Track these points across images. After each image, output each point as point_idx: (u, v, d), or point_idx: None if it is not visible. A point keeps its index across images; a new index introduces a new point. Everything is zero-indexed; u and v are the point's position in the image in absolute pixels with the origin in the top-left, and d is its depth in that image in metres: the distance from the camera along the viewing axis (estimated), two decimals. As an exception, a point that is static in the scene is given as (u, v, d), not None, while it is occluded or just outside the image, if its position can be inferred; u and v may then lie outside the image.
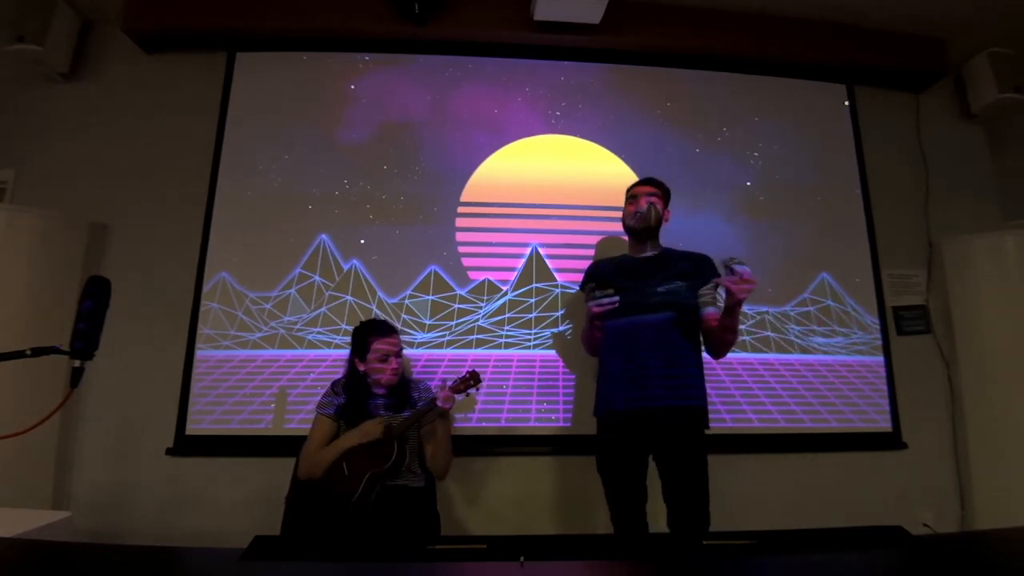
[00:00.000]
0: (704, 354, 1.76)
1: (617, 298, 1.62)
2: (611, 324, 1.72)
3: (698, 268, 1.76)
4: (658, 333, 1.68)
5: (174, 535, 2.10)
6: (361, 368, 1.78)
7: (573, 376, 2.34)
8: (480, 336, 2.34)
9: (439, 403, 1.70)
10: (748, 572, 0.90)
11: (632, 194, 1.86)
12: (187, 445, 2.18)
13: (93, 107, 2.51)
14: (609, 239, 2.45)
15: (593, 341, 1.82)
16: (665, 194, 1.87)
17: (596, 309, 1.63)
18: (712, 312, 1.70)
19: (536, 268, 2.42)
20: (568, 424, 2.29)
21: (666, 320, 1.68)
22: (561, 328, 2.37)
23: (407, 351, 2.17)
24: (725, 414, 2.35)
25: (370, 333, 1.79)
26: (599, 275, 1.79)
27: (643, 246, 1.82)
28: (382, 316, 2.29)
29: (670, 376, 1.64)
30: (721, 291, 1.62)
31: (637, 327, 1.68)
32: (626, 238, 1.93)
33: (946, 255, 2.63)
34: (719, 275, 1.67)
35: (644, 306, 1.69)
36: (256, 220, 2.39)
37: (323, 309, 2.32)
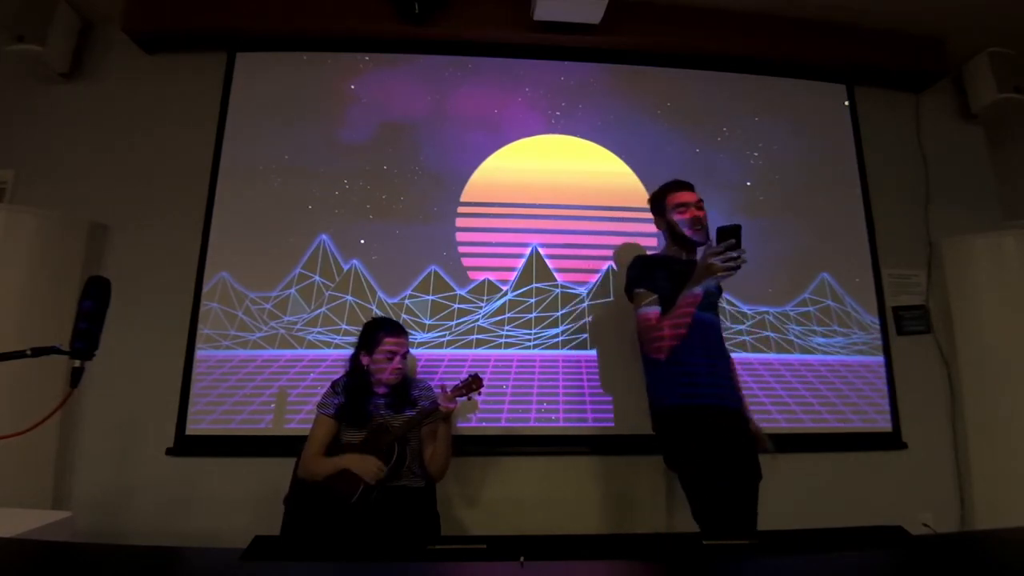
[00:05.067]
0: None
1: (746, 261, 1.52)
2: (698, 317, 1.63)
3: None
4: (719, 333, 1.74)
5: (174, 535, 2.10)
6: (365, 361, 1.79)
7: (573, 377, 2.34)
8: (480, 336, 2.34)
9: (441, 406, 1.69)
10: (748, 572, 0.90)
11: (681, 202, 1.76)
12: (187, 445, 2.18)
13: (93, 107, 2.51)
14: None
15: (681, 330, 1.60)
16: None
17: (724, 266, 1.50)
18: None
19: (536, 268, 2.42)
20: (568, 424, 2.29)
21: (718, 323, 1.75)
22: (562, 328, 2.37)
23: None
24: (725, 414, 2.35)
25: (382, 329, 1.80)
26: (655, 271, 1.70)
27: (691, 252, 1.78)
28: (382, 316, 2.29)
29: (733, 376, 1.73)
30: None
31: (711, 325, 1.69)
32: (641, 241, 1.90)
33: (946, 255, 2.63)
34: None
35: (711, 305, 1.71)
36: (256, 220, 2.39)
37: (323, 309, 2.32)
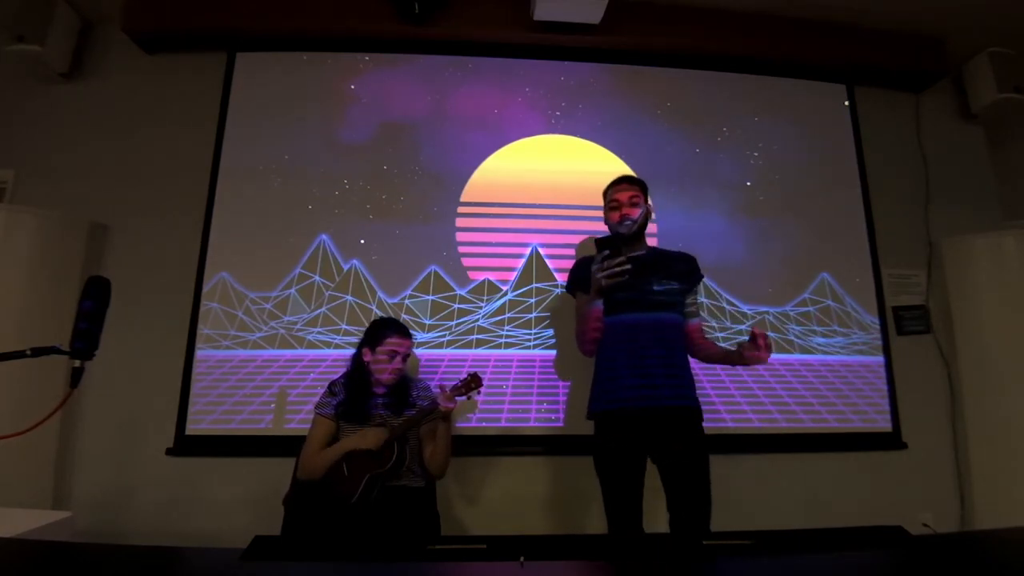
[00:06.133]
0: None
1: (630, 266, 1.54)
2: (610, 320, 1.67)
3: (690, 269, 1.80)
4: (659, 332, 1.68)
5: (174, 535, 2.10)
6: (367, 358, 1.79)
7: (572, 376, 2.34)
8: (480, 336, 2.34)
9: (440, 406, 1.70)
10: (748, 572, 0.90)
11: (614, 200, 1.77)
12: (187, 445, 2.18)
13: (93, 107, 2.51)
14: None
15: (591, 334, 1.68)
16: (644, 190, 1.80)
17: (603, 275, 1.53)
18: (695, 324, 1.79)
19: (536, 268, 2.42)
20: (568, 424, 2.29)
21: (666, 320, 1.70)
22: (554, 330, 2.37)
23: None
24: (725, 414, 2.35)
25: (388, 327, 1.82)
26: (586, 272, 1.72)
27: (632, 247, 1.77)
28: (390, 316, 2.29)
29: (672, 376, 1.65)
30: (701, 298, 1.71)
31: (638, 325, 1.66)
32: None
33: (946, 255, 2.63)
34: (702, 276, 1.82)
35: (644, 304, 1.67)
36: (256, 220, 2.39)
37: (323, 309, 2.32)
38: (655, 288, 1.69)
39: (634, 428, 1.62)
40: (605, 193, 1.84)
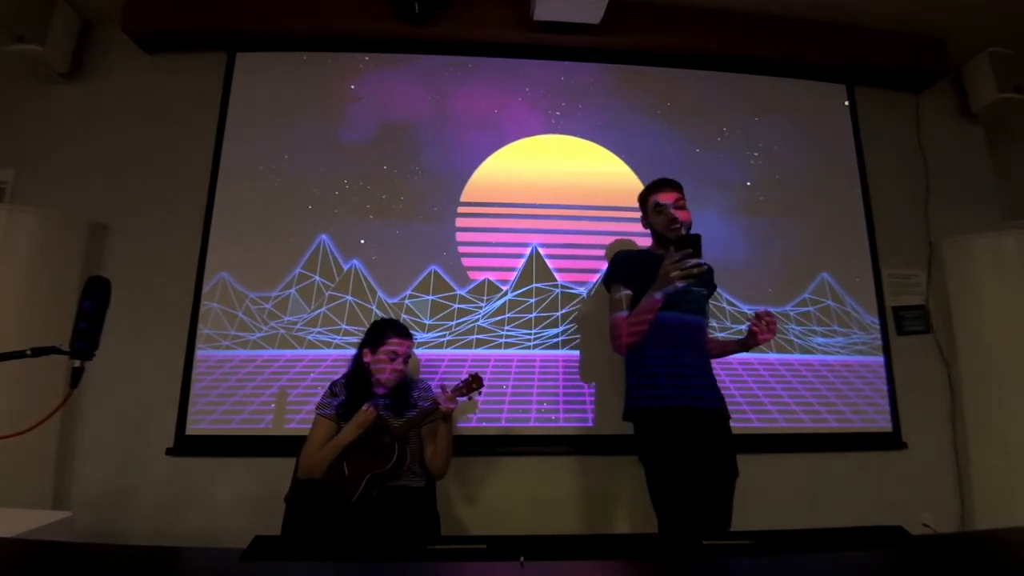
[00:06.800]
0: None
1: (706, 267, 1.56)
2: (663, 317, 1.65)
3: (711, 277, 1.85)
4: (701, 334, 1.74)
5: (174, 535, 2.10)
6: (368, 359, 1.79)
7: (573, 377, 2.34)
8: (480, 336, 2.34)
9: (442, 406, 1.70)
10: (748, 572, 0.90)
11: (660, 203, 1.75)
12: (187, 445, 2.18)
13: (93, 107, 2.51)
14: (620, 241, 2.45)
15: (644, 326, 1.64)
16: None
17: (680, 273, 1.53)
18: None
19: (536, 268, 2.42)
20: (568, 424, 2.29)
21: (703, 324, 1.76)
22: (562, 328, 2.37)
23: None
24: (725, 414, 2.35)
25: (389, 328, 1.82)
26: (630, 267, 1.74)
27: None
28: (391, 317, 2.29)
29: (674, 376, 1.67)
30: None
31: (688, 326, 1.69)
32: (641, 241, 1.99)
33: (946, 255, 2.63)
34: (716, 287, 1.87)
35: (688, 306, 1.70)
36: (256, 220, 2.39)
37: (323, 309, 2.32)
38: (695, 292, 1.72)
39: (698, 425, 1.62)
40: (645, 198, 1.83)
